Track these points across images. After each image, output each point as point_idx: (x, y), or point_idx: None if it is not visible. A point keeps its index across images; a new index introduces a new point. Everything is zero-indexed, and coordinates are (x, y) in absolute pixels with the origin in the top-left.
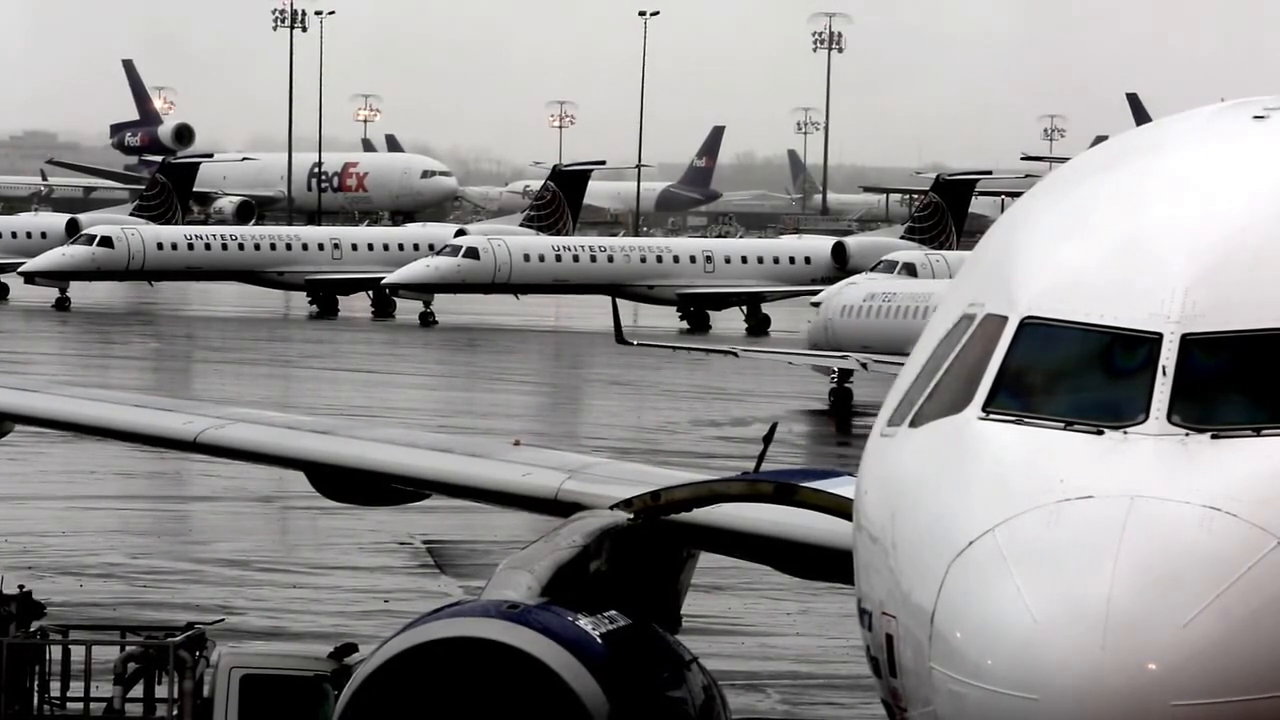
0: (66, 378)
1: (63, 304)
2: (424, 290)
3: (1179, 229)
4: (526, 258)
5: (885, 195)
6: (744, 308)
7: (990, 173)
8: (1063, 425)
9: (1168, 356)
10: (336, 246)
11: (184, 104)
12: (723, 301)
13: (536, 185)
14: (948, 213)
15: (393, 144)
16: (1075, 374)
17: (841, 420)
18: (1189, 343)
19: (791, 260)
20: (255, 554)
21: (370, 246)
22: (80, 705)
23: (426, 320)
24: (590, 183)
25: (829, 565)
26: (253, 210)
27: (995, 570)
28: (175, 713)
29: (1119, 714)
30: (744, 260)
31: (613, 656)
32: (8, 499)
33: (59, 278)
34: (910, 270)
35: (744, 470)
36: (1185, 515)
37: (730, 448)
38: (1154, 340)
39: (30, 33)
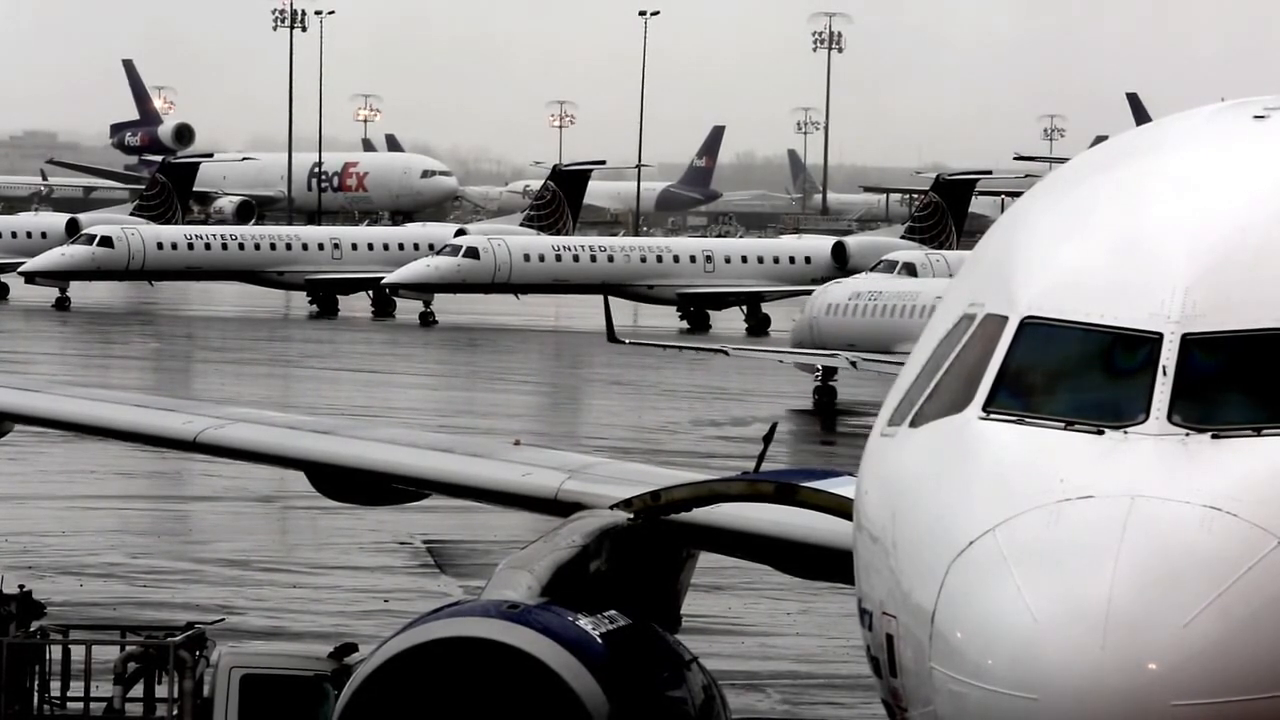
0: (66, 378)
1: (63, 304)
2: (424, 290)
3: (1179, 229)
4: (526, 257)
5: (885, 195)
6: (744, 307)
7: (990, 173)
8: (1063, 425)
9: (1168, 356)
10: (336, 246)
11: (184, 104)
12: (723, 301)
13: (536, 185)
14: (948, 213)
15: (393, 144)
16: (1075, 374)
17: (826, 419)
18: (1189, 343)
19: (791, 260)
20: (255, 554)
21: (370, 246)
22: (80, 705)
23: (426, 320)
24: (590, 183)
25: (829, 565)
26: (253, 210)
27: (995, 570)
28: (175, 713)
29: (1119, 714)
30: (744, 260)
31: (613, 656)
32: (8, 499)
33: (59, 277)
34: (910, 270)
35: (744, 470)
36: (1185, 515)
37: (730, 448)
38: (1154, 340)
39: (30, 33)
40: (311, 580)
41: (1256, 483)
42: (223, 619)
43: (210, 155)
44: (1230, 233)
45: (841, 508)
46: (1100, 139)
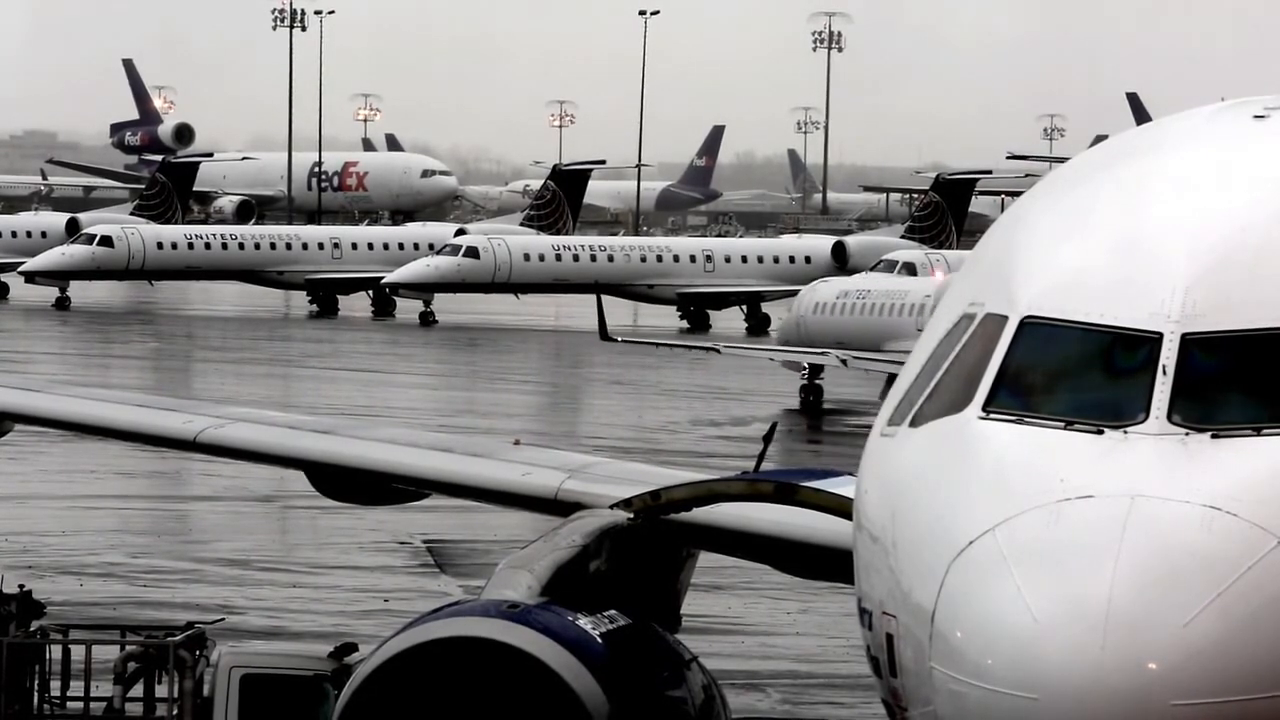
0: (67, 377)
1: (63, 303)
2: (424, 290)
3: (1179, 229)
4: (526, 257)
5: (885, 195)
6: (744, 307)
7: (990, 172)
8: (1063, 425)
9: (1168, 356)
10: (336, 246)
11: (184, 104)
12: (722, 301)
13: (536, 185)
14: (948, 212)
15: (393, 143)
16: (1075, 373)
17: (813, 417)
18: (1189, 342)
19: (791, 260)
20: (255, 554)
21: (370, 246)
22: (80, 705)
23: (426, 320)
24: (590, 182)
25: (829, 565)
26: (253, 210)
27: (995, 570)
28: (175, 712)
29: (1119, 714)
30: (744, 260)
31: (613, 656)
32: (8, 499)
33: (59, 277)
34: (910, 270)
35: (744, 470)
36: (1185, 515)
37: (730, 447)
38: (1154, 340)
39: (30, 33)
40: (311, 580)
41: (1256, 482)
42: (223, 619)
43: (210, 155)
44: (1230, 233)
45: (841, 508)
46: (1100, 139)
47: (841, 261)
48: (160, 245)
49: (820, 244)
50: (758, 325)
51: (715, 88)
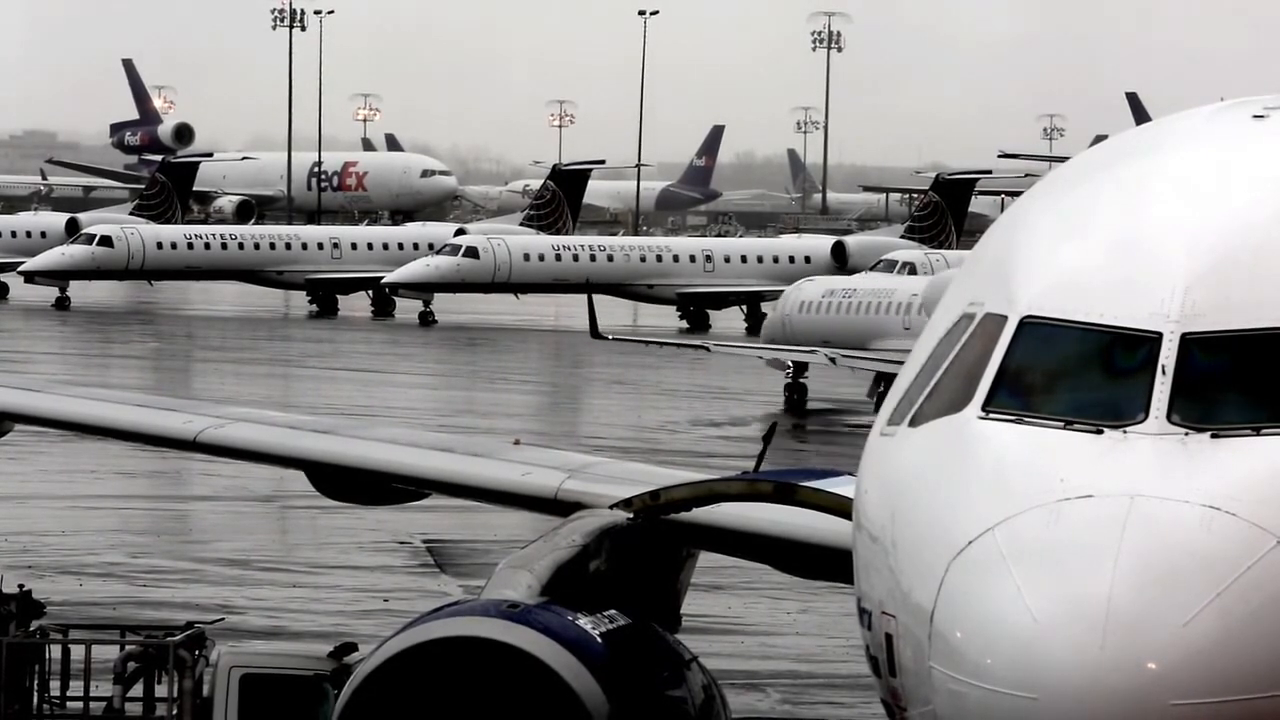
0: (67, 377)
1: (62, 303)
2: (424, 289)
3: (1179, 228)
4: (526, 257)
5: (885, 195)
6: (744, 307)
7: (990, 172)
8: (1062, 425)
9: (1167, 356)
10: (336, 246)
11: (184, 104)
12: (722, 301)
13: (536, 185)
14: (947, 212)
15: (392, 143)
16: (1075, 373)
17: (798, 416)
18: (1189, 342)
19: (791, 260)
20: (255, 553)
21: (370, 246)
22: (80, 705)
23: (426, 320)
24: (590, 182)
25: (829, 565)
26: (252, 210)
27: (995, 570)
28: (175, 712)
29: (1119, 713)
30: (744, 259)
31: (613, 656)
32: (8, 499)
33: (59, 277)
34: (910, 269)
35: (744, 470)
36: (1185, 515)
37: (730, 447)
38: (1154, 340)
39: (30, 33)
40: (311, 580)
41: (1256, 482)
42: (223, 619)
43: (210, 155)
44: (1230, 233)
45: (841, 507)
46: (1100, 139)
47: (841, 261)
48: (160, 245)
49: (820, 244)
50: (757, 325)
51: (715, 88)
